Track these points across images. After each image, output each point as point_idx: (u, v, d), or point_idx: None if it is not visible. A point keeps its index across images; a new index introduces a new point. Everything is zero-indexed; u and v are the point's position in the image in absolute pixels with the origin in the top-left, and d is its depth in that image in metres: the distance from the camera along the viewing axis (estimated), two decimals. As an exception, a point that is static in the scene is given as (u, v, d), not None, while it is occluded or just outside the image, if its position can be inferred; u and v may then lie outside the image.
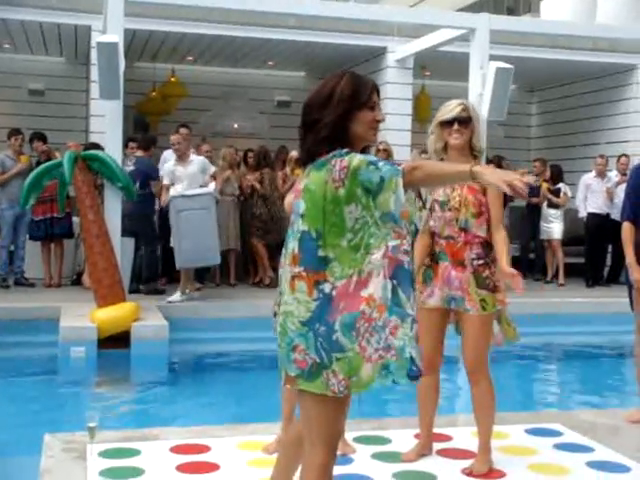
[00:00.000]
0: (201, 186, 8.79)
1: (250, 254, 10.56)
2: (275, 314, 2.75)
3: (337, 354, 2.48)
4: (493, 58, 9.51)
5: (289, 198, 3.63)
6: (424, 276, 3.95)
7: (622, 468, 4.07)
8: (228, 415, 5.62)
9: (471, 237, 3.85)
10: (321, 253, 2.51)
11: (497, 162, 11.06)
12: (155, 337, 7.34)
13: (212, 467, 3.92)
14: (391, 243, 2.49)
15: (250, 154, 10.96)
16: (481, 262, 3.84)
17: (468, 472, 3.91)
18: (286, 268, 2.62)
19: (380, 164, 2.48)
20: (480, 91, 9.36)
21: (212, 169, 9.14)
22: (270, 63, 13.18)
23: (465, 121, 3.85)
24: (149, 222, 9.54)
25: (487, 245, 3.87)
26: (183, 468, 3.89)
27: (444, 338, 4.06)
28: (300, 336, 2.51)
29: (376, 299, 2.48)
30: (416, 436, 4.24)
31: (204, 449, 4.18)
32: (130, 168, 9.49)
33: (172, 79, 13.08)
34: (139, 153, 9.75)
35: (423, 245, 3.94)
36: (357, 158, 2.48)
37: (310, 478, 2.58)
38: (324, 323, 2.49)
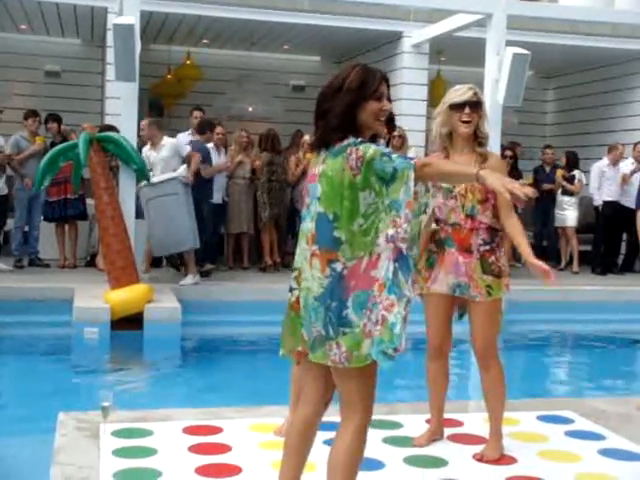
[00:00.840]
0: (174, 170, 8.60)
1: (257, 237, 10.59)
2: (290, 289, 2.88)
3: (345, 329, 2.67)
4: (510, 44, 9.44)
5: None
6: (429, 262, 3.95)
7: (634, 456, 4.07)
8: (240, 397, 5.65)
9: (477, 223, 3.84)
10: (336, 234, 2.70)
11: (512, 148, 11.01)
12: (168, 319, 7.37)
13: (224, 448, 3.94)
14: (389, 231, 2.67)
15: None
16: (487, 247, 3.84)
17: (479, 457, 3.92)
18: (304, 246, 2.81)
19: (393, 156, 2.66)
20: (496, 77, 9.30)
21: (186, 150, 8.88)
22: (285, 47, 13.14)
23: (476, 105, 3.83)
24: (205, 206, 9.30)
25: (492, 230, 3.86)
26: (195, 449, 3.91)
27: (452, 324, 4.06)
28: (313, 310, 2.72)
29: (379, 279, 2.67)
30: (427, 421, 4.25)
31: (216, 430, 4.20)
32: None
33: (187, 62, 13.08)
34: (195, 137, 9.69)
35: (427, 231, 3.92)
36: (372, 149, 2.67)
37: (347, 440, 2.77)
38: (336, 299, 2.68)
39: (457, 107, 3.82)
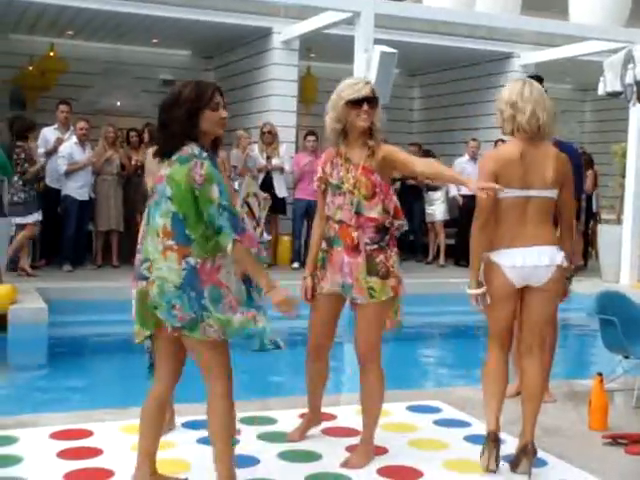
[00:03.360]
0: None
1: (136, 233, 10.41)
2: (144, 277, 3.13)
3: (207, 313, 3.05)
4: (378, 42, 9.63)
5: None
6: (321, 261, 3.85)
7: (497, 441, 4.24)
8: (110, 398, 5.52)
9: (364, 220, 3.71)
10: (187, 232, 3.06)
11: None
12: (33, 320, 7.12)
13: (95, 452, 3.86)
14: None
15: (132, 133, 10.79)
16: (375, 247, 3.72)
17: (344, 464, 3.81)
18: (155, 239, 3.10)
19: (226, 215, 3.01)
20: (365, 74, 9.47)
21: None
22: (155, 40, 12.91)
23: (373, 101, 3.72)
24: None
25: (382, 229, 3.74)
26: (64, 454, 3.81)
27: (337, 323, 3.98)
28: (176, 297, 3.05)
29: (233, 291, 3.11)
30: (300, 416, 4.29)
31: (86, 434, 4.11)
32: None
33: (51, 53, 12.63)
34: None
35: (319, 232, 3.88)
36: (216, 191, 3.00)
37: (219, 407, 3.16)
38: (194, 289, 3.05)
39: (355, 103, 3.70)
